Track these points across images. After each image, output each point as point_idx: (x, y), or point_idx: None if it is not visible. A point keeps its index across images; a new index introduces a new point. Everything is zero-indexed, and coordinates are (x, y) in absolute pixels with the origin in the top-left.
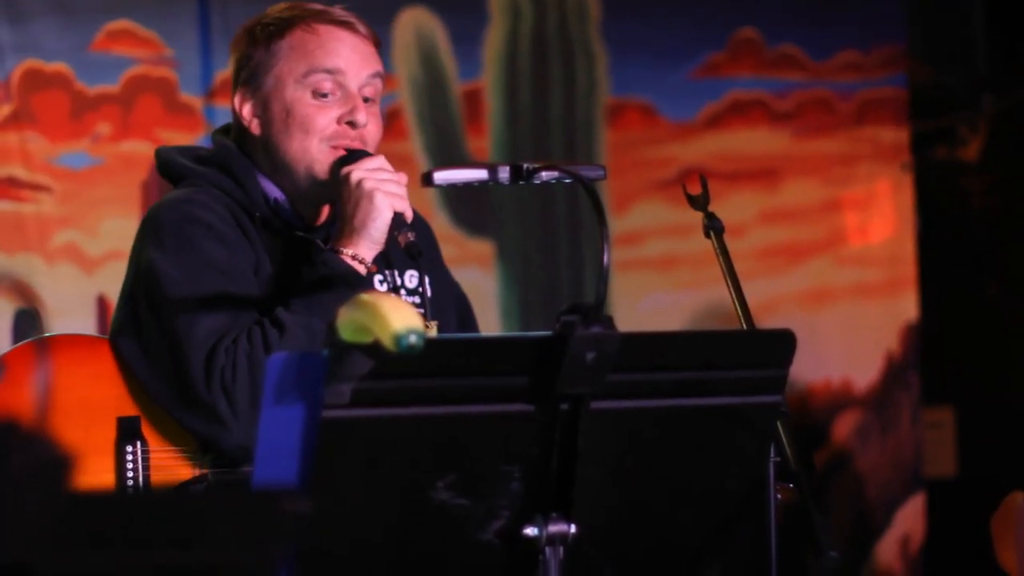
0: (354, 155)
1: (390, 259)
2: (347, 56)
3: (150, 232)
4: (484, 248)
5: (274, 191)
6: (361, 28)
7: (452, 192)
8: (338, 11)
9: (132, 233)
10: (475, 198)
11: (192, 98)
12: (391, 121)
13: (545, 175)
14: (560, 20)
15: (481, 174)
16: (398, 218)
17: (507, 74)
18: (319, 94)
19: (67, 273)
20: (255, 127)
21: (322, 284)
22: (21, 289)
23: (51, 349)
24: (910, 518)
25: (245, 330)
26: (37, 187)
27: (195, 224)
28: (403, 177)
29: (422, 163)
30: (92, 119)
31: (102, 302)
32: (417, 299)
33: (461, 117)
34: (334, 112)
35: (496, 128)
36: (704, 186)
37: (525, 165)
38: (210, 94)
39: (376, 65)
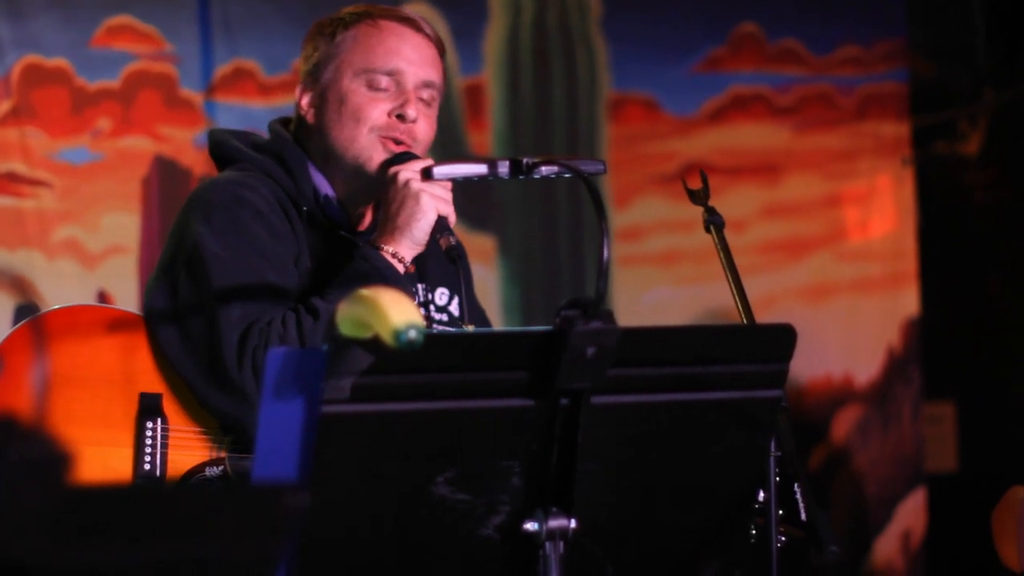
0: (403, 156)
1: (424, 274)
2: (407, 56)
3: (199, 208)
4: (486, 243)
5: (325, 186)
6: (426, 28)
7: (454, 187)
8: (406, 9)
9: (133, 228)
10: (477, 193)
11: (192, 93)
12: None
13: (545, 170)
14: (560, 15)
15: (481, 169)
16: (441, 222)
17: (508, 69)
18: (374, 87)
19: (67, 268)
20: (311, 116)
21: (360, 277)
22: (21, 284)
23: (52, 324)
24: (911, 513)
25: (280, 313)
26: (37, 183)
27: (244, 207)
28: (449, 182)
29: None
30: (92, 114)
31: (103, 297)
32: (446, 316)
33: (462, 112)
34: (386, 105)
35: (497, 123)
36: (704, 181)
37: (525, 160)
38: (210, 89)
39: (435, 74)
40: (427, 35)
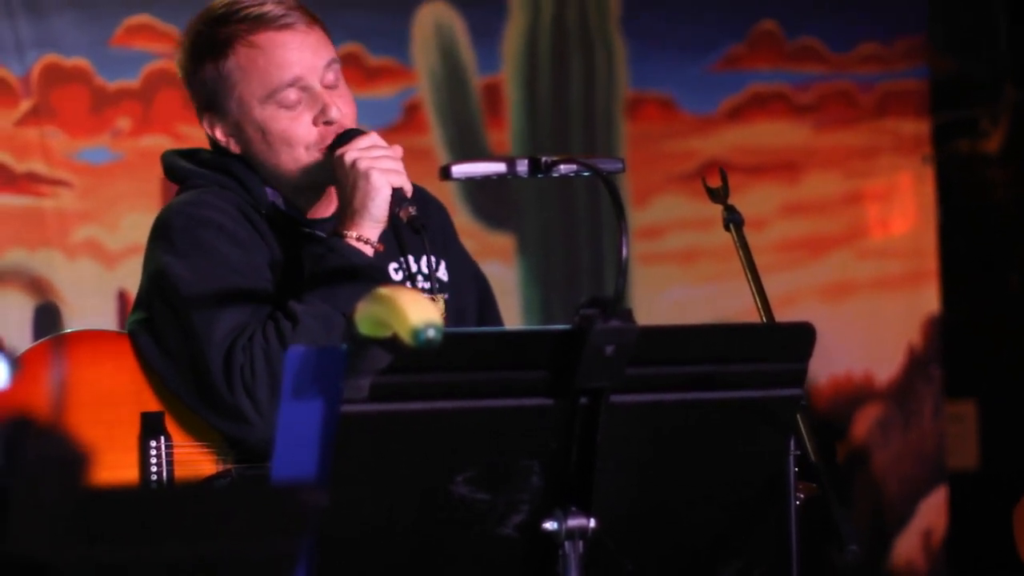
0: (346, 135)
1: (404, 246)
2: (298, 58)
3: (161, 236)
4: (505, 242)
5: (272, 194)
6: (300, 23)
7: (473, 186)
8: (271, 8)
9: None
10: (496, 192)
11: None
12: (411, 115)
13: (564, 168)
14: (579, 13)
15: (500, 167)
16: (397, 193)
17: (526, 67)
18: (286, 105)
19: (87, 268)
20: (233, 146)
21: (331, 270)
22: (41, 284)
23: (68, 345)
24: (932, 511)
25: (260, 326)
26: (57, 182)
27: (205, 225)
28: (398, 151)
29: (442, 157)
30: (112, 114)
31: (122, 297)
32: (437, 284)
33: (481, 111)
34: (307, 117)
35: (516, 121)
36: (724, 179)
37: (544, 158)
38: None
39: (328, 52)
40: (304, 29)
